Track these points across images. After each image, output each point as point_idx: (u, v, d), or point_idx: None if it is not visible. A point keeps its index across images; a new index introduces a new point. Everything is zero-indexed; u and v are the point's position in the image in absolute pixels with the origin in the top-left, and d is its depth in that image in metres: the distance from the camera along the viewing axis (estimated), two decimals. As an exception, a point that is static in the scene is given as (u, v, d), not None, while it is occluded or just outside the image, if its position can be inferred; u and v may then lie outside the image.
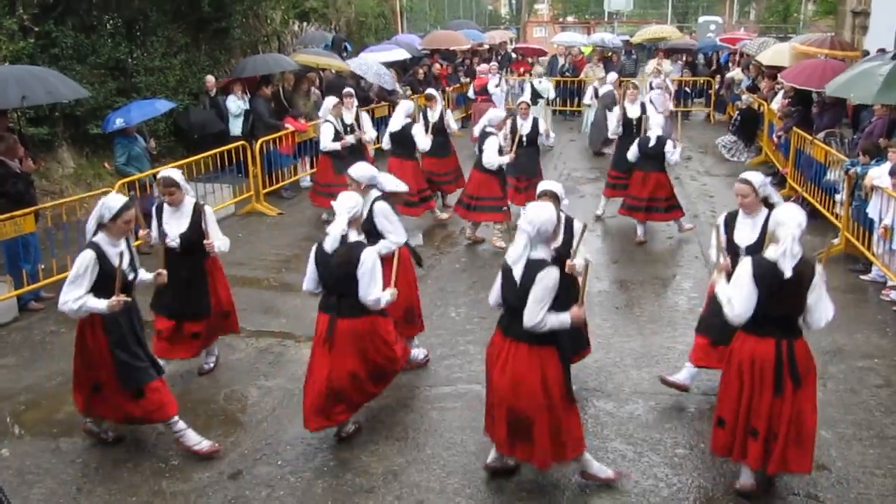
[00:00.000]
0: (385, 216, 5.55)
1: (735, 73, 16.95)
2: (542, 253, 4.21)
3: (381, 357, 5.02)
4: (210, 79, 11.94)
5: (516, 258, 4.24)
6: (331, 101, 9.90)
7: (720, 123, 17.11)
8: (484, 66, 15.97)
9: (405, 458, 4.98)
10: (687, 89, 18.26)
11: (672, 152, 8.98)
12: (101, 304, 4.57)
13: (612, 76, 14.28)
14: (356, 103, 10.49)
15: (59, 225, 8.08)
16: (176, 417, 4.94)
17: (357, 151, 9.81)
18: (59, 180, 10.28)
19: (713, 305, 5.40)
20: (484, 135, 8.73)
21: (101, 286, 4.58)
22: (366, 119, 10.50)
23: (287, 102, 12.06)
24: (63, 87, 8.26)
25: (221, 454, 4.98)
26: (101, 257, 4.59)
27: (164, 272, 5.10)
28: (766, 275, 4.08)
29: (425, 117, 10.08)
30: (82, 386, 4.90)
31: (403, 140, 9.60)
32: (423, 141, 9.56)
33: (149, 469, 4.87)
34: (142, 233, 5.66)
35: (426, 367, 6.13)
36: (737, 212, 5.23)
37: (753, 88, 14.98)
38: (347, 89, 10.54)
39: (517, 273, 4.23)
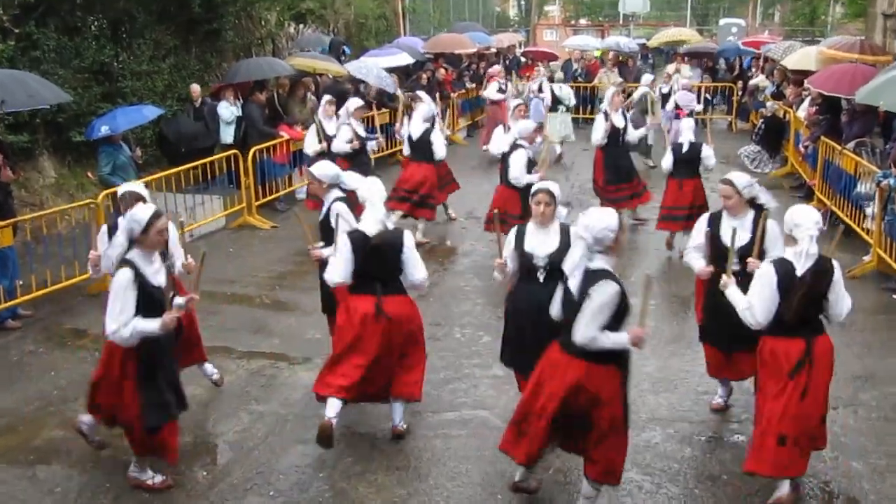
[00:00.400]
0: (344, 217, 5.72)
1: (759, 78, 17.00)
2: (601, 263, 4.21)
3: (409, 346, 5.36)
4: (195, 88, 11.93)
5: (572, 268, 4.24)
6: (354, 102, 9.96)
7: (743, 132, 17.15)
8: (495, 69, 15.95)
9: (406, 489, 4.96)
10: (707, 96, 18.30)
11: (709, 157, 9.12)
12: (152, 325, 4.47)
13: (647, 77, 14.29)
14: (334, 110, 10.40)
15: (38, 238, 8.12)
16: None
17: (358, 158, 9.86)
18: (39, 191, 10.33)
19: (707, 309, 5.48)
20: (513, 147, 8.68)
21: (142, 307, 4.48)
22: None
23: (282, 109, 12.14)
24: (45, 91, 8.33)
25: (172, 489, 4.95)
26: (139, 275, 4.50)
27: (197, 297, 4.97)
28: (788, 278, 4.30)
29: (411, 119, 10.18)
30: (96, 395, 4.87)
31: (422, 146, 9.76)
32: (441, 149, 9.72)
33: (132, 499, 4.86)
34: (93, 253, 5.46)
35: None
36: (720, 212, 5.49)
37: (778, 95, 15.02)
38: (328, 97, 10.53)
39: (573, 285, 4.23)
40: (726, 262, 5.02)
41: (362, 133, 9.93)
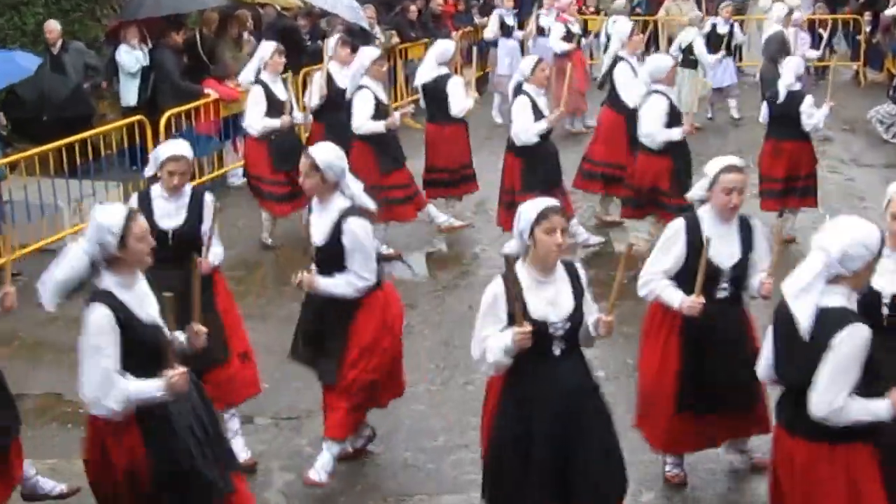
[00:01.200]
0: (216, 213, 6.19)
1: (896, 8, 17.03)
2: (838, 298, 4.04)
3: None
4: (51, 25, 11.39)
5: (801, 291, 4.05)
6: (370, 53, 9.54)
7: (875, 86, 17.16)
8: (564, 2, 15.64)
9: None
10: (823, 33, 18.28)
11: (809, 113, 9.19)
12: (155, 387, 4.26)
13: (781, 8, 14.17)
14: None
15: None
16: None
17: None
18: None
19: (686, 363, 5.48)
20: (648, 94, 8.76)
21: (132, 359, 4.27)
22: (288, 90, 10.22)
23: (207, 56, 12.16)
24: None
25: None
26: (120, 311, 4.27)
27: (204, 329, 4.72)
28: None
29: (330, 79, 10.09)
30: None
31: (437, 99, 9.87)
32: (457, 101, 9.70)
33: None
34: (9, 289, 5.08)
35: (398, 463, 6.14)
36: (696, 217, 5.45)
37: (926, 32, 15.04)
38: (272, 45, 10.03)
39: (804, 324, 4.03)
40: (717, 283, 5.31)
41: (385, 99, 9.51)
